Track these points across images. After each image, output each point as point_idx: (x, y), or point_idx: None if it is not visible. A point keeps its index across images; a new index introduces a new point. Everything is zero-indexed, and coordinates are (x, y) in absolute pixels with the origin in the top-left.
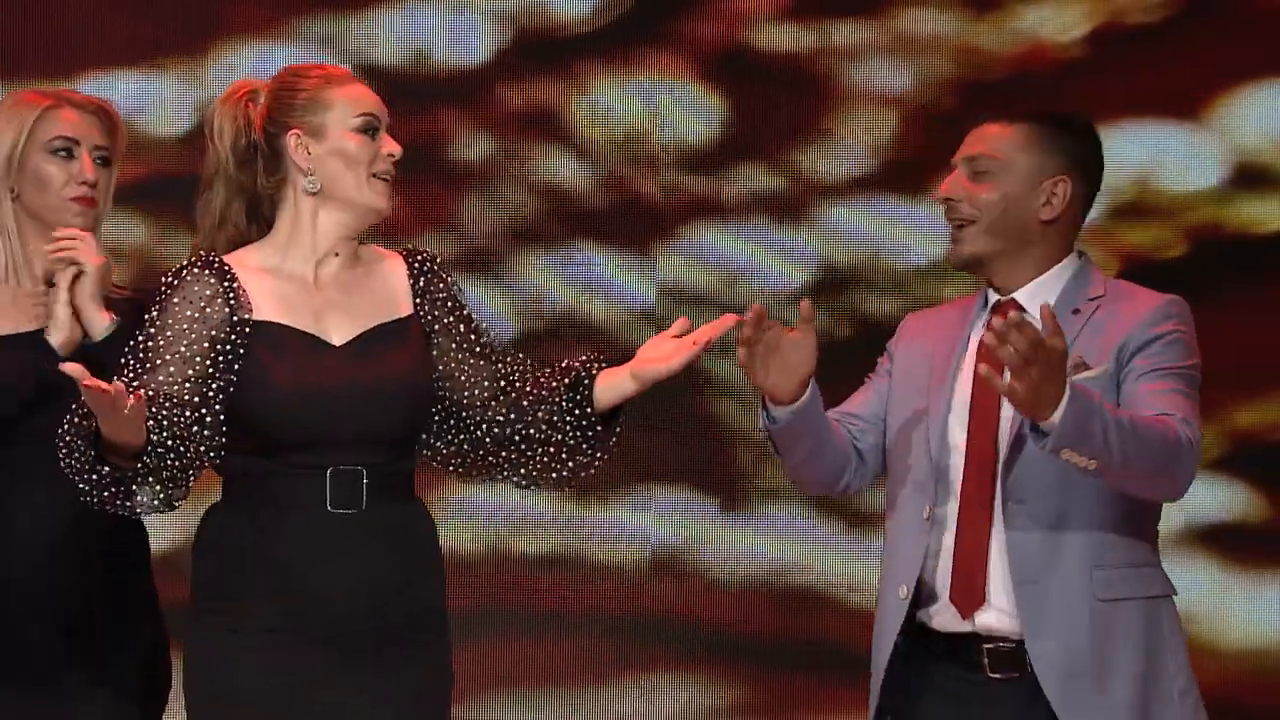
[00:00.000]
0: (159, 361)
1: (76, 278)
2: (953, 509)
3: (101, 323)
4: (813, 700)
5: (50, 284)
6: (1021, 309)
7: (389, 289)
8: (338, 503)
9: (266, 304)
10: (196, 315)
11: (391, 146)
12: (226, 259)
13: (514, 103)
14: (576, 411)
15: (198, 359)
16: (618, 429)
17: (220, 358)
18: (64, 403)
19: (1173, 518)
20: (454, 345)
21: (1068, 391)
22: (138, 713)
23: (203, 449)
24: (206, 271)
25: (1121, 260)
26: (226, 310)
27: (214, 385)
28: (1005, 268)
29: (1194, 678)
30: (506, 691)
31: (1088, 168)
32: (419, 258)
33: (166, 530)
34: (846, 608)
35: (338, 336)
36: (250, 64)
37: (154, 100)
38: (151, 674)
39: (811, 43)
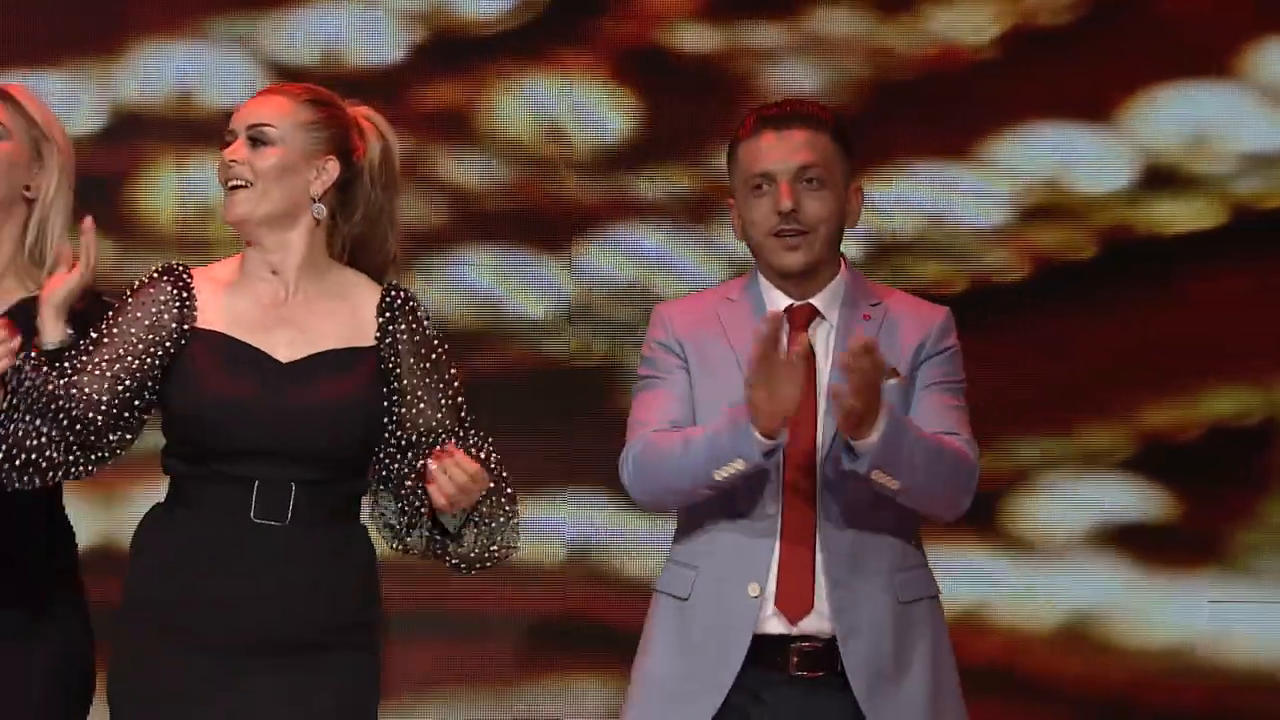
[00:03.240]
0: (94, 352)
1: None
2: (776, 513)
3: (57, 333)
4: None
5: None
6: (819, 314)
7: (355, 317)
8: (262, 514)
9: (216, 315)
10: (145, 320)
11: (230, 152)
12: (195, 270)
13: (427, 103)
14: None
15: (129, 359)
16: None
17: (151, 360)
18: None
19: (1084, 518)
20: (416, 388)
21: (885, 412)
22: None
23: (91, 438)
24: (165, 280)
25: (1032, 261)
26: (172, 316)
27: (135, 384)
28: (815, 277)
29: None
30: (429, 693)
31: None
32: (394, 295)
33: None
34: None
35: (285, 354)
36: (162, 64)
37: (64, 99)
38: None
39: (725, 44)
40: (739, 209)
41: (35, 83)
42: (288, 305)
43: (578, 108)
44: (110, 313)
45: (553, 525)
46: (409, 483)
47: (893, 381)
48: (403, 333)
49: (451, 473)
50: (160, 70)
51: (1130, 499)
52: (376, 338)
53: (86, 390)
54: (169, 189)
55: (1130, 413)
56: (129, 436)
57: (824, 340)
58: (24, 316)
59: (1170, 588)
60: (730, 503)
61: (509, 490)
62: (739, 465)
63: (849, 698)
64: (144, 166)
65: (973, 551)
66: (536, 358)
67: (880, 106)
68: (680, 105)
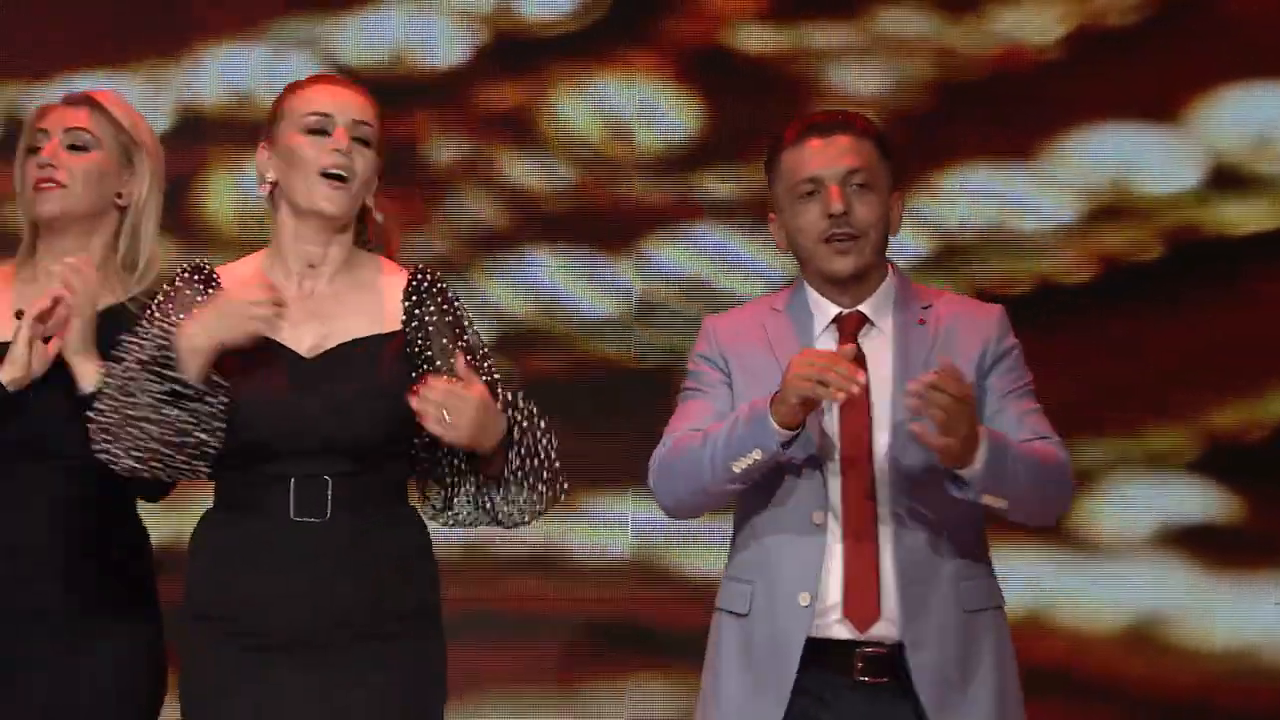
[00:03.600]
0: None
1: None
2: (834, 522)
3: (91, 375)
4: None
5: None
6: (868, 320)
7: (380, 304)
8: (301, 511)
9: None
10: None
11: (339, 141)
12: (219, 269)
13: (491, 105)
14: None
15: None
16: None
17: None
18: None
19: (1150, 520)
20: (448, 369)
21: (984, 435)
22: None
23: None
24: (195, 278)
25: (1098, 262)
26: None
27: None
28: (865, 283)
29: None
30: (482, 693)
31: None
32: (420, 277)
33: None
34: None
35: (310, 348)
36: (223, 66)
37: (132, 101)
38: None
39: (788, 45)
40: (783, 219)
41: (105, 84)
42: (315, 298)
43: (641, 108)
44: (150, 318)
45: (617, 525)
46: (439, 452)
47: None
48: (431, 314)
49: (427, 392)
50: (228, 73)
51: (1196, 500)
52: (403, 321)
53: None
54: (232, 191)
55: (1196, 414)
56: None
57: (875, 347)
58: (114, 322)
59: (1236, 589)
60: (780, 514)
61: (535, 414)
62: (757, 455)
63: (911, 704)
64: (208, 169)
65: (1037, 553)
66: (601, 357)
67: (945, 107)
68: (743, 105)
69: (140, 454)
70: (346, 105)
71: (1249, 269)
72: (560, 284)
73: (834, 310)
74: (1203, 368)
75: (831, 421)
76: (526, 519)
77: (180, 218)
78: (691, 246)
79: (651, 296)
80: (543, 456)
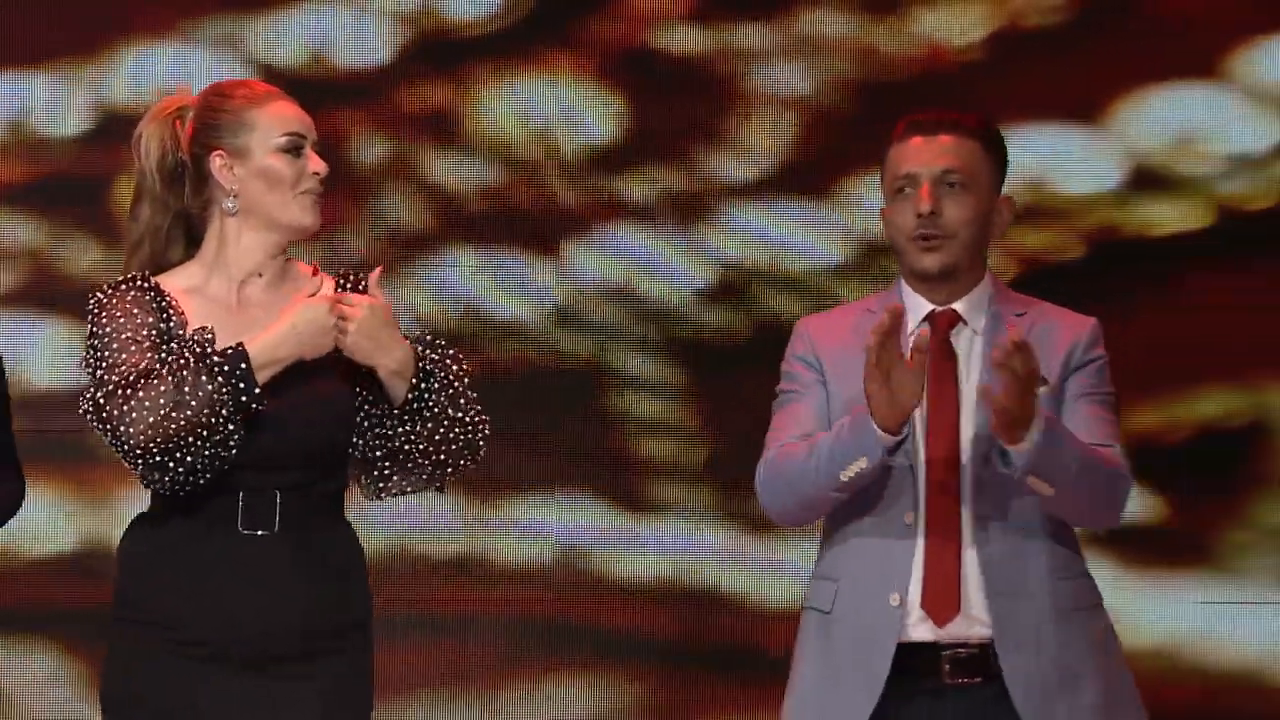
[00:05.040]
0: (131, 347)
1: None
2: (920, 520)
3: None
4: (715, 700)
5: None
6: (961, 319)
7: None
8: (249, 524)
9: (193, 322)
10: (140, 314)
11: (317, 165)
12: (158, 279)
13: (413, 104)
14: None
15: (156, 339)
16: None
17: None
18: None
19: None
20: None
21: (1040, 418)
22: None
23: None
24: (144, 285)
25: (1020, 263)
26: (160, 319)
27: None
28: (958, 283)
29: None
30: (414, 694)
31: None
32: (347, 279)
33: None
34: (744, 609)
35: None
36: (148, 64)
37: (49, 100)
38: None
39: (713, 45)
40: (888, 213)
41: (22, 84)
42: (254, 307)
43: (564, 109)
44: (98, 319)
45: (540, 527)
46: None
47: (1042, 390)
48: None
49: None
50: (148, 72)
51: None
52: None
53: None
54: None
55: (1118, 414)
56: None
57: (967, 346)
58: None
59: (1159, 589)
60: (868, 512)
61: (453, 358)
62: (862, 464)
63: (1008, 706)
64: (131, 169)
65: None
66: (523, 360)
67: (868, 108)
68: (667, 106)
69: (171, 447)
70: (309, 125)
71: (1170, 269)
72: (481, 286)
73: (927, 308)
74: (1124, 368)
75: (921, 420)
76: (445, 461)
77: (104, 217)
78: (613, 249)
79: (571, 299)
80: (453, 392)
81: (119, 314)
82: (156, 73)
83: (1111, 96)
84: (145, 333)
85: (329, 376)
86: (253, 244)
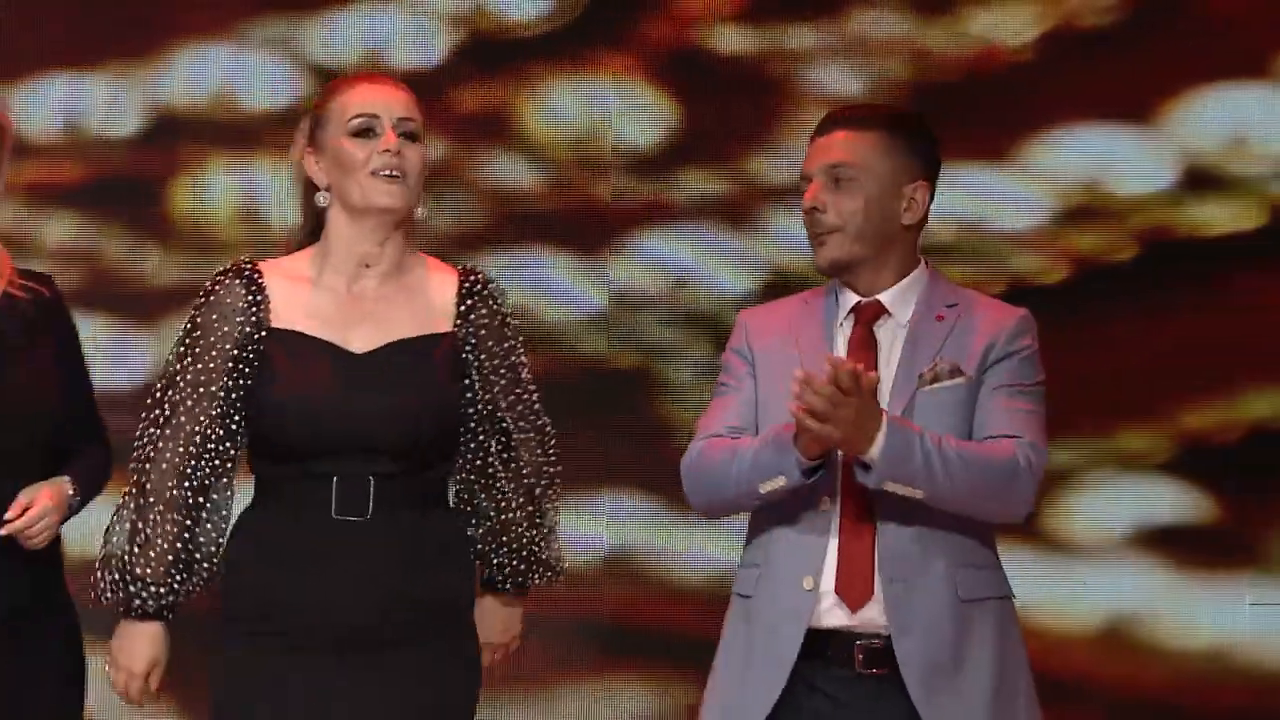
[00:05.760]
0: (185, 404)
1: None
2: (837, 507)
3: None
4: None
5: None
6: (886, 311)
7: (431, 304)
8: (342, 510)
9: (291, 312)
10: (221, 331)
11: (387, 141)
12: (263, 266)
13: (466, 105)
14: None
15: (214, 387)
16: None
17: (237, 367)
18: None
19: (1124, 520)
20: (496, 369)
21: (884, 424)
22: (76, 694)
23: (229, 463)
24: (236, 281)
25: (1072, 263)
26: (249, 319)
27: (232, 396)
28: (869, 273)
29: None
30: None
31: (934, 172)
32: (473, 279)
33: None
34: None
35: (360, 346)
36: (203, 66)
37: (101, 102)
38: (74, 658)
39: (764, 46)
40: None
41: (78, 86)
42: (368, 298)
43: (616, 110)
44: (187, 332)
45: (589, 530)
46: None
47: (959, 380)
48: (483, 317)
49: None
50: (203, 73)
51: (1170, 501)
52: (456, 324)
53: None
54: (212, 191)
55: (1170, 414)
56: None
57: (890, 336)
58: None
59: (1209, 590)
60: (791, 501)
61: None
62: (781, 481)
63: (908, 695)
64: (186, 169)
65: (1010, 553)
66: (572, 361)
67: (919, 108)
68: (716, 107)
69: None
70: (390, 104)
71: (1222, 270)
72: (531, 287)
73: (853, 299)
74: (1176, 369)
75: None
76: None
77: (160, 218)
78: (663, 251)
79: (620, 301)
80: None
81: (199, 340)
82: (211, 74)
83: (1164, 96)
84: (206, 379)
85: (430, 364)
86: (350, 234)
